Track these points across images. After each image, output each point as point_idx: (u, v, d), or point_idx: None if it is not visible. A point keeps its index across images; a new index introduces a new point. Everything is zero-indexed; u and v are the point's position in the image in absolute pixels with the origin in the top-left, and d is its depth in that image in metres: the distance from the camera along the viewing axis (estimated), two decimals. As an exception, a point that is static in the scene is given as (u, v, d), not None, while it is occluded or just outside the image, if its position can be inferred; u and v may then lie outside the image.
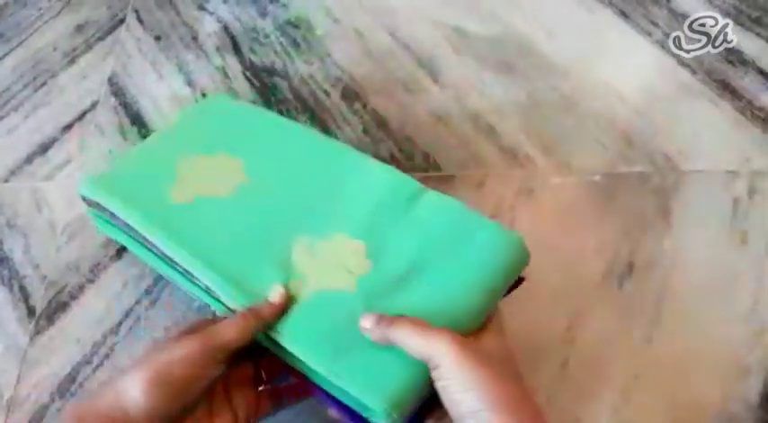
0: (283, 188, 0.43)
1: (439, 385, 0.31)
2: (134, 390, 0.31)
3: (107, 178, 0.44)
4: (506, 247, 0.38)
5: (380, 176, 0.43)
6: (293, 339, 0.35)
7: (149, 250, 0.42)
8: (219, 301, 0.38)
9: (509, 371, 0.32)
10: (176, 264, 0.40)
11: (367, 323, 0.34)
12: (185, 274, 0.40)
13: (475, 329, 0.35)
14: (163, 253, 0.40)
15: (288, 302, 0.37)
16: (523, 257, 0.39)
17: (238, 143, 0.46)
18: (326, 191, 0.43)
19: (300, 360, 0.35)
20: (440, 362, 0.30)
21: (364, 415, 0.34)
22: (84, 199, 0.45)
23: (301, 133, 0.47)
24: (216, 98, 0.53)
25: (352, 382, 0.33)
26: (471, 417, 0.29)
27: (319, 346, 0.35)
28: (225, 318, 0.37)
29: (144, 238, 0.41)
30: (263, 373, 0.39)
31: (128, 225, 0.42)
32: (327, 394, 0.35)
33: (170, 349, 0.33)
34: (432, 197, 0.41)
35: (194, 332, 0.35)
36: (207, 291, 0.39)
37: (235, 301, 0.37)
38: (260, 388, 0.38)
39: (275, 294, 0.37)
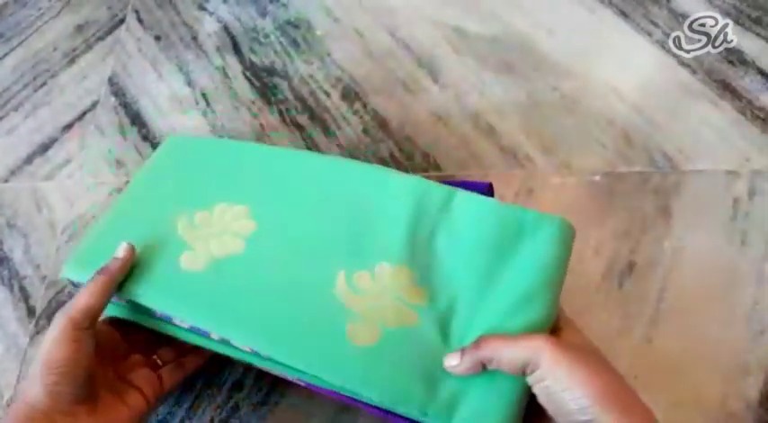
0: (300, 227, 0.39)
1: (539, 387, 0.30)
2: (33, 387, 0.34)
3: (94, 255, 0.39)
4: (556, 232, 0.36)
5: (402, 190, 0.39)
6: (374, 388, 0.32)
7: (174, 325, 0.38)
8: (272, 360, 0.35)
9: (604, 365, 0.31)
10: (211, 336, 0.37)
11: (452, 361, 0.32)
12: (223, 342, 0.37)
13: (550, 328, 0.33)
14: (196, 328, 0.37)
15: (131, 255, 0.38)
16: (571, 236, 0.36)
17: (231, 187, 0.42)
18: (349, 218, 0.39)
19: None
20: (538, 363, 0.29)
21: None
22: (72, 283, 0.41)
23: (293, 158, 0.43)
24: (175, 141, 0.47)
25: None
26: (580, 413, 0.28)
27: (408, 391, 0.32)
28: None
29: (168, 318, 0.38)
30: (157, 359, 0.40)
31: (137, 304, 0.38)
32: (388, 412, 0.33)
33: (45, 343, 0.34)
34: (463, 200, 0.38)
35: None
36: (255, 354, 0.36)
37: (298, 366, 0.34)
38: (158, 371, 0.40)
39: (119, 250, 0.37)
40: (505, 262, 0.36)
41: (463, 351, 0.32)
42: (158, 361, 0.40)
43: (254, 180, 0.42)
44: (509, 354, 0.30)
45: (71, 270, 0.40)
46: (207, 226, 0.40)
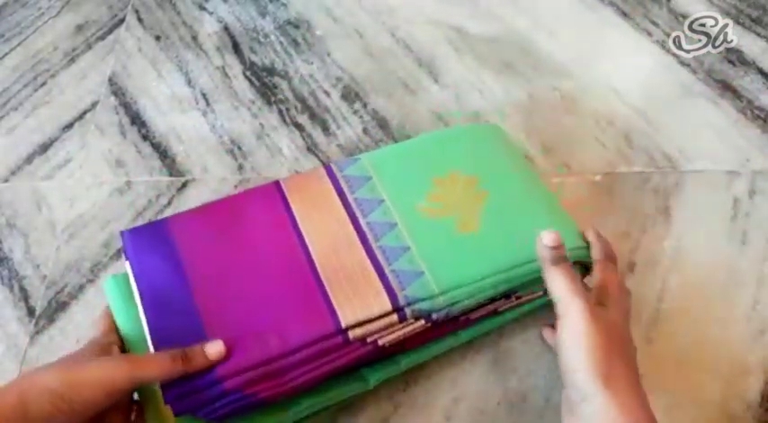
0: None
1: (558, 333, 0.34)
2: (41, 398, 0.31)
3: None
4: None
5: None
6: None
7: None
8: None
9: (626, 349, 0.35)
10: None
11: (550, 241, 0.36)
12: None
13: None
14: None
15: (220, 360, 0.35)
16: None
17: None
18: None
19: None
20: (565, 312, 0.34)
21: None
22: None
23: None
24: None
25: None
26: (572, 372, 0.33)
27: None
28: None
29: None
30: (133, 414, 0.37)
31: None
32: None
33: (88, 369, 0.32)
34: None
35: (108, 349, 0.35)
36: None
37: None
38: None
39: (213, 350, 0.35)
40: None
41: (555, 248, 0.37)
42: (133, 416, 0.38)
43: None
44: (557, 286, 0.35)
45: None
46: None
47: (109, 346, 0.37)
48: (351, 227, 0.42)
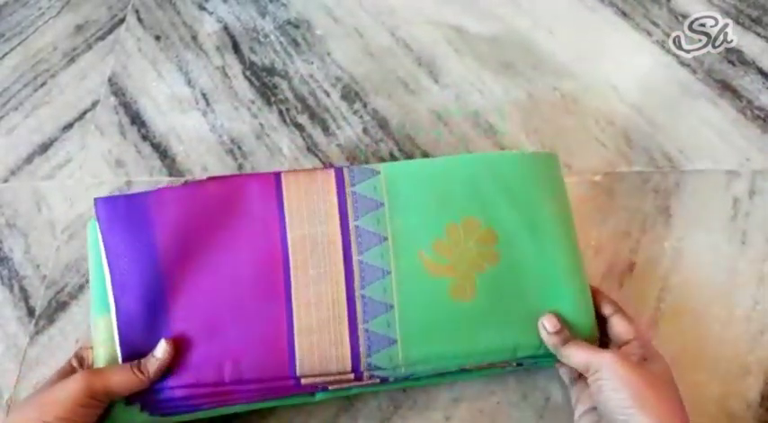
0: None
1: (594, 385, 0.35)
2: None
3: None
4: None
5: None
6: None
7: None
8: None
9: (673, 393, 0.35)
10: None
11: (551, 327, 0.37)
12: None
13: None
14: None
15: (171, 357, 0.37)
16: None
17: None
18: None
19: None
20: (599, 366, 0.34)
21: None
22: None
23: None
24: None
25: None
26: (620, 412, 0.33)
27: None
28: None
29: None
30: None
31: None
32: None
33: (56, 391, 0.35)
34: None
35: (72, 370, 0.37)
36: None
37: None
38: None
39: (160, 349, 0.37)
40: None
41: (558, 332, 0.37)
42: None
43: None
44: (578, 358, 0.36)
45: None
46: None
47: (72, 368, 0.40)
48: (342, 262, 0.38)
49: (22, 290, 0.51)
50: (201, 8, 0.68)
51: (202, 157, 0.56)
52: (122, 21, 0.68)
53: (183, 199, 0.39)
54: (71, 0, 0.71)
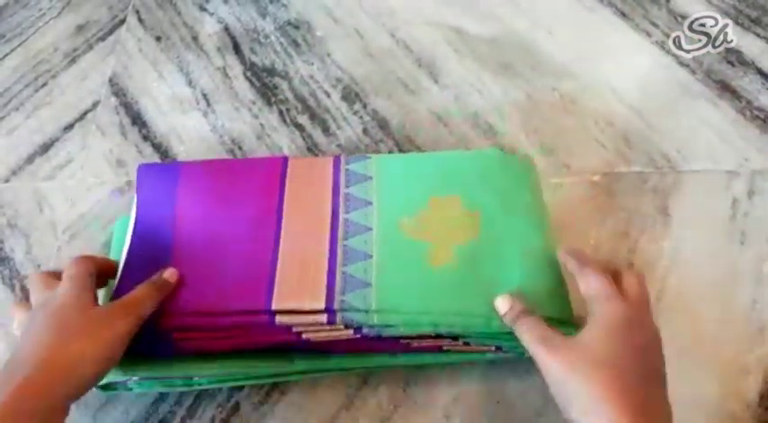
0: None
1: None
2: (86, 364, 0.34)
3: None
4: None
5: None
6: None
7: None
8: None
9: (612, 363, 0.33)
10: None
11: (501, 308, 0.37)
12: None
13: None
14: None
15: (174, 282, 0.40)
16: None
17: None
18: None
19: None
20: (533, 355, 0.34)
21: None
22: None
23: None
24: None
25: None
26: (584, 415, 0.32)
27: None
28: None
29: None
30: None
31: None
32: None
33: (114, 326, 0.35)
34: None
35: (90, 285, 0.38)
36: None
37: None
38: None
39: (168, 274, 0.40)
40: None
41: (513, 307, 0.37)
42: None
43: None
44: (526, 340, 0.35)
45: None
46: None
47: (90, 280, 0.39)
48: (329, 218, 0.43)
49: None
50: (202, 9, 0.69)
51: (203, 158, 0.57)
52: (123, 21, 0.69)
53: (204, 169, 0.46)
54: (72, 1, 0.71)
